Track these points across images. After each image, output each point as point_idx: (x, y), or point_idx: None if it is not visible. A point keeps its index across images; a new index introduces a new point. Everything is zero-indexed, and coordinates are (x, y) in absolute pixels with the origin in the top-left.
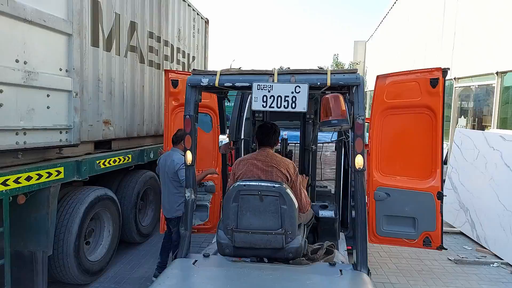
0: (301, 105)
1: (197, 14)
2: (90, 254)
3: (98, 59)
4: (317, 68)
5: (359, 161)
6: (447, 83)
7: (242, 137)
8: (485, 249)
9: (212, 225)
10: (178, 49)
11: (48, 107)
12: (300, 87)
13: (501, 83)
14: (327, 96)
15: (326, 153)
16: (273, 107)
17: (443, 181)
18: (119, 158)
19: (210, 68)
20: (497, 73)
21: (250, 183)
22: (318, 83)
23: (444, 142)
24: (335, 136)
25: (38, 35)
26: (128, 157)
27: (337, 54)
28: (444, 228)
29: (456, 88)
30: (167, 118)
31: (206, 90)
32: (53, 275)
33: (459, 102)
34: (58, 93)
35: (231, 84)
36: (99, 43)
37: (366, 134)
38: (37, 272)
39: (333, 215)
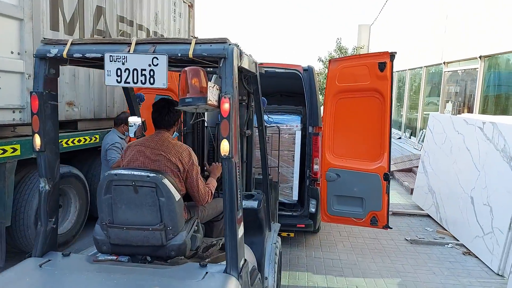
0: (160, 81)
1: None
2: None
3: None
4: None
5: (224, 147)
6: (437, 68)
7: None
8: (445, 231)
9: None
10: (155, 33)
11: None
12: (158, 59)
13: (484, 67)
14: (185, 69)
15: (284, 135)
16: (128, 83)
17: (390, 162)
18: (84, 138)
19: None
20: (480, 57)
21: (122, 172)
22: (179, 54)
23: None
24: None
25: None
26: (95, 137)
27: (340, 38)
28: (412, 211)
29: (445, 72)
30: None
31: (59, 63)
32: (17, 245)
33: (447, 87)
34: (10, 75)
35: (81, 55)
36: (59, 27)
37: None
38: None
39: (256, 206)
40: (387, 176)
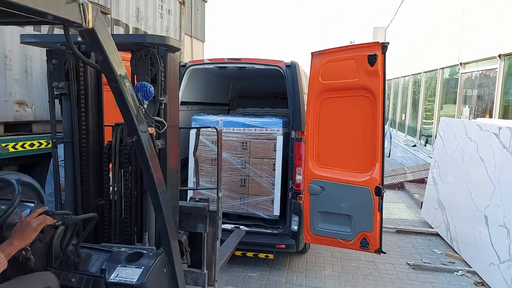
0: None
1: None
2: None
3: (4, 35)
4: None
5: None
6: (453, 69)
7: None
8: (456, 254)
9: None
10: (137, 29)
11: None
12: None
13: (504, 67)
14: None
15: (263, 141)
16: None
17: (383, 174)
18: (39, 142)
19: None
20: (499, 56)
21: None
22: None
23: (388, 130)
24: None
25: None
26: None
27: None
28: (419, 229)
29: (462, 74)
30: None
31: None
32: None
33: (464, 91)
34: None
35: None
36: None
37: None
38: None
39: (135, 281)
40: (380, 191)
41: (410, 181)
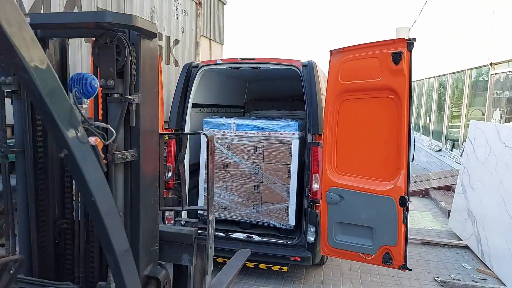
0: None
1: None
2: None
3: None
4: None
5: None
6: (481, 70)
7: (187, 125)
8: (487, 270)
9: None
10: None
11: None
12: None
13: None
14: None
15: (278, 145)
16: None
17: (409, 183)
18: None
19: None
20: None
21: None
22: None
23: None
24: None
25: None
26: None
27: None
28: (447, 240)
29: (492, 75)
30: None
31: None
32: None
33: (494, 92)
34: None
35: None
36: None
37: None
38: None
39: None
40: (405, 201)
41: (436, 188)
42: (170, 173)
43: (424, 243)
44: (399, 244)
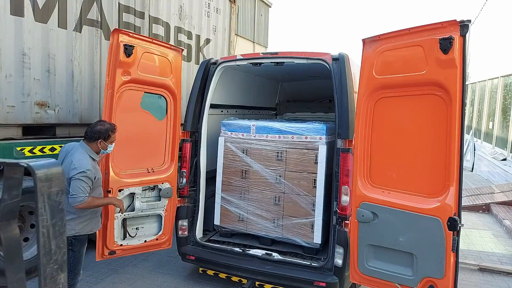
0: None
1: None
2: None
3: (22, 31)
4: None
5: None
6: None
7: (204, 128)
8: None
9: (166, 238)
10: (180, 28)
11: None
12: None
13: None
14: None
15: (302, 151)
16: None
17: (460, 201)
18: (61, 147)
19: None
20: None
21: None
22: None
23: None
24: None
25: None
26: None
27: None
28: (504, 267)
29: None
30: (108, 99)
31: None
32: None
33: None
34: None
35: None
36: (23, 12)
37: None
38: None
39: None
40: (455, 224)
41: (499, 203)
42: (184, 180)
43: (483, 269)
44: (447, 276)
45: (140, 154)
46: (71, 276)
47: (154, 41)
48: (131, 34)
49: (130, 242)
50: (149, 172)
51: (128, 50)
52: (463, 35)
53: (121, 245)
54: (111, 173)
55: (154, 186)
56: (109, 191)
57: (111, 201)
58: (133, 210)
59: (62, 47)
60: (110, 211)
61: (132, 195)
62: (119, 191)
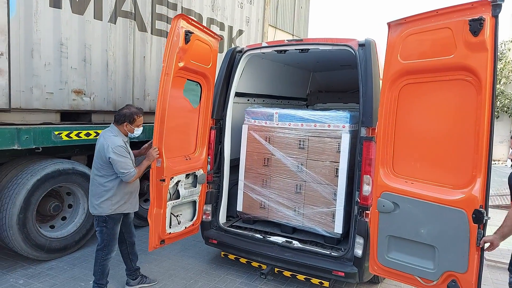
0: None
1: None
2: (59, 229)
3: (60, 22)
4: None
5: None
6: None
7: (229, 116)
8: None
9: (199, 223)
10: (212, 20)
11: None
12: None
13: None
14: None
15: (325, 139)
16: None
17: (488, 192)
18: (96, 132)
19: None
20: None
21: None
22: None
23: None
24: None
25: None
26: None
27: None
28: None
29: None
30: (163, 84)
31: None
32: (10, 247)
33: None
34: None
35: None
36: (61, 4)
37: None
38: None
39: None
40: (481, 216)
41: None
42: (209, 166)
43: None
44: (470, 271)
45: (179, 141)
46: (106, 251)
47: (204, 28)
48: (189, 21)
49: (175, 230)
50: (186, 159)
51: (188, 36)
52: (495, 16)
53: (170, 233)
54: (165, 162)
55: (192, 173)
56: (163, 180)
57: (150, 158)
58: (178, 197)
59: (97, 38)
60: (163, 201)
61: (176, 183)
62: (170, 179)
